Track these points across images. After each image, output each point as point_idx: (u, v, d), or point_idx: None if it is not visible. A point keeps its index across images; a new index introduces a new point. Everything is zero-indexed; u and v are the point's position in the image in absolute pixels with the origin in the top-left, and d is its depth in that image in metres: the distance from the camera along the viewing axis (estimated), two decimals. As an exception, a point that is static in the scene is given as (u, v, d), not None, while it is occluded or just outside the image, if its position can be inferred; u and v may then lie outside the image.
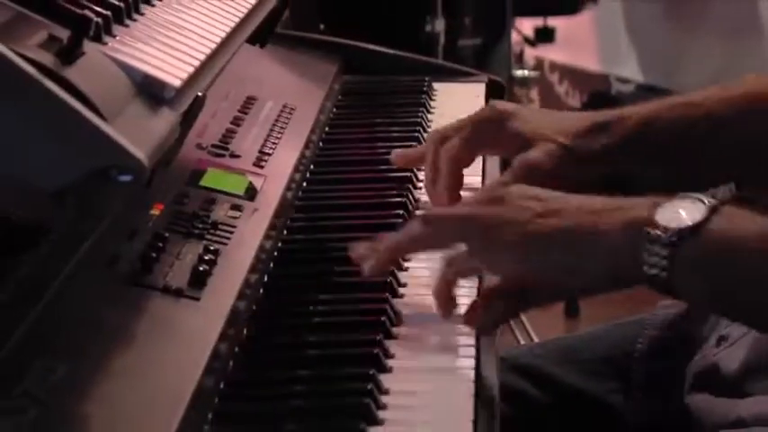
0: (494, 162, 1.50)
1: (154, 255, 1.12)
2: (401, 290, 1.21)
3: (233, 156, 1.39)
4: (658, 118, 1.33)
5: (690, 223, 1.04)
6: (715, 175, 1.41)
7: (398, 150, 1.44)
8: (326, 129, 1.59)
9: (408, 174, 1.45)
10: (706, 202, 1.05)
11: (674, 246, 1.03)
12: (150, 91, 1.02)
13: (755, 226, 1.06)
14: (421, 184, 1.44)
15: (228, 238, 1.21)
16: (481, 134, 1.37)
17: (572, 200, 1.11)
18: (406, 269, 1.24)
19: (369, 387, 1.01)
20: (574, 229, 1.09)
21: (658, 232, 1.04)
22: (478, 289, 1.20)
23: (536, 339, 2.75)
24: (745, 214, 1.06)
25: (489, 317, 1.14)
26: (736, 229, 1.06)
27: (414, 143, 1.53)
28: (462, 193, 1.36)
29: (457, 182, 1.36)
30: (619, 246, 1.06)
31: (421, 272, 1.24)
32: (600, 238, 1.07)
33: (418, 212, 1.25)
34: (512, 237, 1.09)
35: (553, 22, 3.76)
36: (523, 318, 2.80)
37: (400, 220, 1.32)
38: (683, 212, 1.05)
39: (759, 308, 1.08)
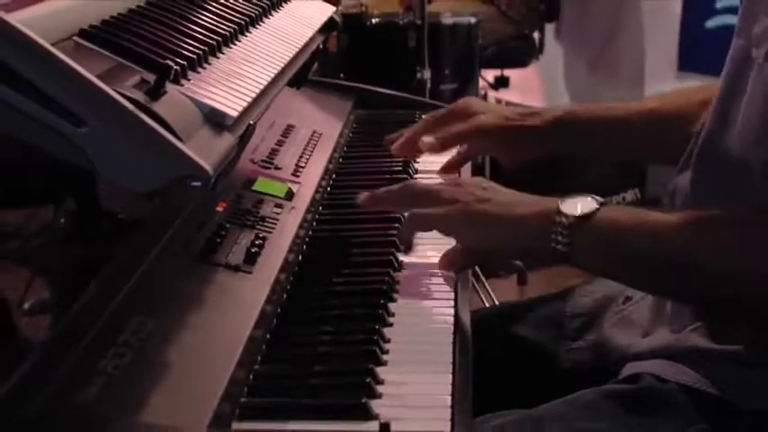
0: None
1: (218, 240, 1.12)
2: (398, 266, 1.19)
3: (276, 168, 1.38)
4: (578, 112, 1.42)
5: (585, 212, 1.08)
6: (611, 156, 1.62)
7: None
8: (345, 148, 1.58)
9: (405, 181, 1.44)
10: (597, 199, 1.10)
11: (572, 227, 1.07)
12: (215, 120, 1.01)
13: (629, 214, 1.10)
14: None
15: (273, 228, 1.20)
16: (454, 112, 1.45)
17: (504, 192, 1.15)
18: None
19: (375, 338, 1.00)
20: (500, 213, 1.12)
21: (562, 218, 1.08)
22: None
23: (496, 302, 2.73)
24: (623, 208, 1.13)
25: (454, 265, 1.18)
26: (617, 217, 1.09)
27: (407, 160, 1.52)
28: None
29: (423, 131, 1.44)
30: (533, 227, 1.10)
31: (415, 257, 1.22)
32: (518, 221, 1.11)
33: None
34: (457, 212, 1.12)
35: (508, 72, 3.76)
36: (487, 286, 2.78)
37: (398, 215, 1.31)
38: (579, 205, 1.08)
39: (633, 273, 1.12)
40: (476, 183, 1.17)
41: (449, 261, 1.18)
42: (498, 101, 4.19)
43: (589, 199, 1.10)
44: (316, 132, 1.55)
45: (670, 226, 1.09)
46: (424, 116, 1.51)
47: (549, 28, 4.02)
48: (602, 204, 1.10)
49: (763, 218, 1.07)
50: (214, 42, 1.14)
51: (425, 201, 1.16)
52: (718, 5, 3.57)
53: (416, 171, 1.50)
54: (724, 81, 1.20)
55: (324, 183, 1.42)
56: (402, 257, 1.21)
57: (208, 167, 0.90)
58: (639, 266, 1.11)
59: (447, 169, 1.45)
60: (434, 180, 1.41)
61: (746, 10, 1.18)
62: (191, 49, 1.09)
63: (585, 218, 1.08)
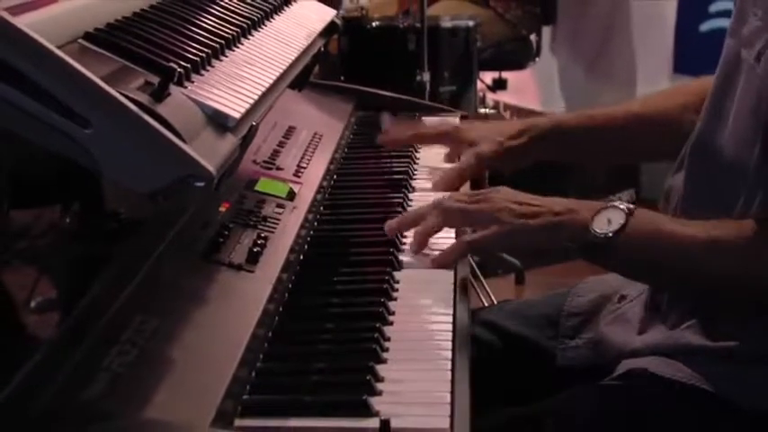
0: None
1: (221, 239, 1.11)
2: (398, 265, 1.19)
3: (278, 168, 1.37)
4: (564, 123, 1.48)
5: (616, 228, 1.13)
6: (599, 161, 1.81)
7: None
8: (345, 150, 1.58)
9: (404, 181, 1.44)
10: (625, 209, 1.15)
11: (604, 245, 1.14)
12: (218, 121, 1.01)
13: (652, 225, 1.15)
14: (413, 189, 1.43)
15: (275, 228, 1.20)
16: (445, 136, 1.53)
17: (534, 203, 1.19)
18: (404, 250, 1.23)
19: (375, 336, 1.00)
20: (545, 227, 1.16)
21: (594, 236, 1.14)
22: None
23: (495, 301, 2.73)
24: (649, 219, 1.16)
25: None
26: (642, 230, 1.14)
27: (407, 161, 1.52)
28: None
29: (413, 140, 1.56)
30: (571, 238, 1.16)
31: (414, 257, 1.22)
32: (560, 232, 1.16)
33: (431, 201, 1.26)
34: (502, 228, 1.17)
35: (506, 74, 3.75)
36: (486, 285, 2.78)
37: (398, 216, 1.30)
38: (609, 219, 1.14)
39: (655, 275, 1.19)
40: (505, 197, 1.20)
41: (449, 257, 1.20)
42: (496, 102, 4.20)
43: (617, 210, 1.14)
44: (317, 134, 1.54)
45: (691, 239, 1.13)
46: (416, 129, 1.56)
47: (547, 31, 4.01)
48: (629, 214, 1.14)
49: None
50: (217, 45, 1.14)
51: (461, 221, 1.22)
52: (712, 9, 3.57)
53: (415, 171, 1.50)
54: (717, 81, 1.21)
55: (325, 183, 1.42)
56: (402, 257, 1.21)
57: (211, 168, 0.89)
58: (661, 275, 1.18)
59: (446, 187, 1.42)
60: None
61: (738, 11, 1.19)
62: (194, 51, 1.09)
63: (615, 234, 1.13)
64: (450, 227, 1.23)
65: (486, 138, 1.46)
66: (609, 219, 1.14)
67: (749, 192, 1.13)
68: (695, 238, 1.12)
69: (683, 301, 1.21)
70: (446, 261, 1.19)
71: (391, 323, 1.05)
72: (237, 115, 1.03)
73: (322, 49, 1.58)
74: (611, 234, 1.13)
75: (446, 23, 3.19)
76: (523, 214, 1.17)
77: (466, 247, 1.20)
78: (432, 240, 1.23)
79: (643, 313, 1.27)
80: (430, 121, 1.69)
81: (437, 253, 1.21)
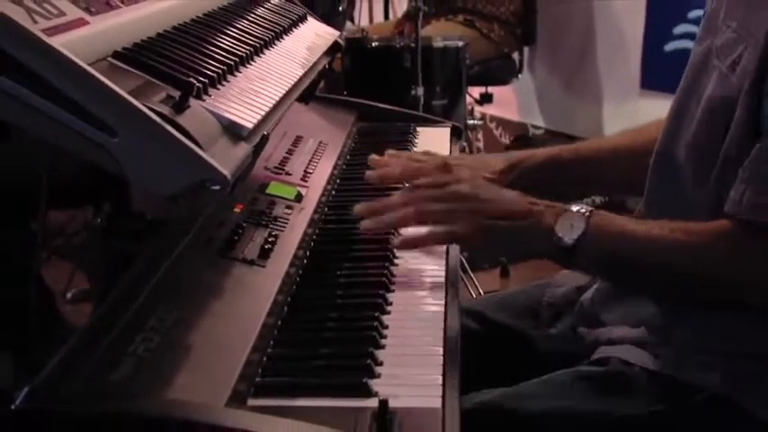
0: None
1: (236, 237, 1.11)
2: (395, 260, 1.18)
3: (287, 173, 1.37)
4: (557, 156, 1.40)
5: (579, 233, 1.10)
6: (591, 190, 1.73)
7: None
8: (348, 156, 1.57)
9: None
10: (585, 213, 1.11)
11: (569, 247, 1.10)
12: (233, 131, 1.00)
13: (615, 227, 1.11)
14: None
15: (284, 227, 1.19)
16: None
17: (503, 203, 1.14)
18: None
19: (374, 324, 1.00)
20: (515, 229, 1.12)
21: (559, 241, 1.10)
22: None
23: (482, 292, 2.72)
24: (606, 219, 1.11)
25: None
26: (602, 231, 1.10)
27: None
28: None
29: (402, 178, 1.33)
30: (538, 240, 1.12)
31: (410, 254, 1.21)
32: (527, 236, 1.12)
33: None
34: (473, 226, 1.12)
35: (492, 89, 3.74)
36: (474, 278, 2.77)
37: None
38: (573, 225, 1.10)
39: (619, 275, 1.17)
40: (472, 190, 1.15)
41: (425, 243, 1.17)
42: (484, 114, 4.20)
43: (578, 215, 1.10)
44: (322, 142, 1.54)
45: (654, 240, 1.08)
46: (404, 166, 1.39)
47: (527, 51, 4.01)
48: (588, 217, 1.10)
49: (728, 229, 1.06)
50: (232, 62, 1.14)
51: (435, 221, 1.15)
52: (676, 32, 3.56)
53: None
54: (683, 85, 1.19)
55: (329, 187, 1.41)
56: (398, 254, 1.20)
57: (226, 173, 0.89)
58: (625, 274, 1.14)
59: None
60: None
61: (707, 21, 1.18)
62: (211, 68, 1.08)
63: (580, 238, 1.10)
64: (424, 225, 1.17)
65: (476, 174, 1.35)
66: (571, 224, 1.10)
67: (710, 192, 1.11)
68: (657, 239, 1.08)
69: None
70: (422, 245, 1.16)
71: (389, 313, 1.04)
72: (250, 125, 1.03)
73: (327, 66, 1.57)
74: (575, 238, 1.09)
75: (438, 43, 3.18)
76: (493, 215, 1.12)
77: (443, 237, 1.16)
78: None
79: (614, 304, 1.27)
80: (423, 131, 1.68)
81: (414, 235, 1.17)
